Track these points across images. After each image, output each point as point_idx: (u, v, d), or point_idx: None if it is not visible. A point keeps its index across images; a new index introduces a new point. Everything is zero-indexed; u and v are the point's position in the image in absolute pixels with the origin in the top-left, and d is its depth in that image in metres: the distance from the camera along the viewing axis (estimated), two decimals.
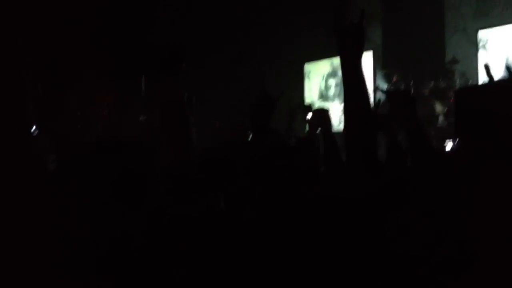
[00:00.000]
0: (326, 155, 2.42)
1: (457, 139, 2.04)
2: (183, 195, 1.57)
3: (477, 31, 6.80)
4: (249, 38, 8.01)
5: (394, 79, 6.85)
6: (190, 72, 1.89)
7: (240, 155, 1.64)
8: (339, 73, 8.25)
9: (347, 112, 1.68)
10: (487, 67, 4.94)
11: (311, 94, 8.71)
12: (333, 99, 8.33)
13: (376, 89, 7.05)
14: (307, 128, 3.16)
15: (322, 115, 2.71)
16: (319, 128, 2.68)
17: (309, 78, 8.77)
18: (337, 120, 6.64)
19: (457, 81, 6.34)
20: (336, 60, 7.09)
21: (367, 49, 7.84)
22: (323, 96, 8.53)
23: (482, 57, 6.60)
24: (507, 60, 6.14)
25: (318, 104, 8.28)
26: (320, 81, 8.58)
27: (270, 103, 2.25)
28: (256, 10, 7.77)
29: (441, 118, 6.04)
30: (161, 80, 1.81)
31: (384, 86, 7.10)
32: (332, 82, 8.38)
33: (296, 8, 7.82)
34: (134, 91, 6.91)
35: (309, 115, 3.07)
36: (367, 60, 7.52)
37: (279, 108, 2.32)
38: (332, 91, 8.40)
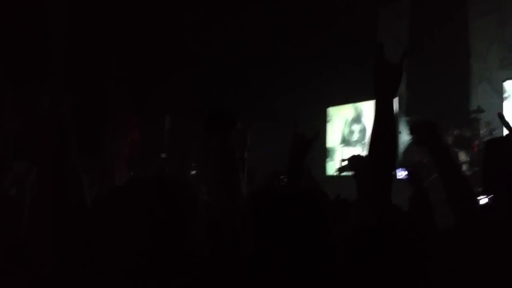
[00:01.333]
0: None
1: (485, 189, 2.00)
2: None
3: (502, 82, 6.77)
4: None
5: None
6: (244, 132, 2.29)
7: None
8: (363, 119, 8.29)
9: (375, 150, 1.67)
10: (501, 116, 4.87)
11: (333, 138, 8.69)
12: (355, 145, 8.29)
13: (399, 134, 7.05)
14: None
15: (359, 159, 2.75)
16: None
17: (331, 122, 8.78)
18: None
19: (482, 131, 6.27)
20: (360, 105, 7.14)
21: None
22: (345, 141, 8.50)
23: (508, 107, 6.55)
24: None
25: (339, 149, 8.25)
26: (342, 126, 8.57)
27: (306, 142, 2.28)
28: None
29: (464, 167, 5.94)
30: (217, 138, 2.06)
31: (407, 133, 7.07)
32: (356, 127, 8.37)
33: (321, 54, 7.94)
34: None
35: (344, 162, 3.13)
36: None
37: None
38: (355, 137, 8.37)
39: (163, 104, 7.92)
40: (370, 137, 1.68)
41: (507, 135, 2.42)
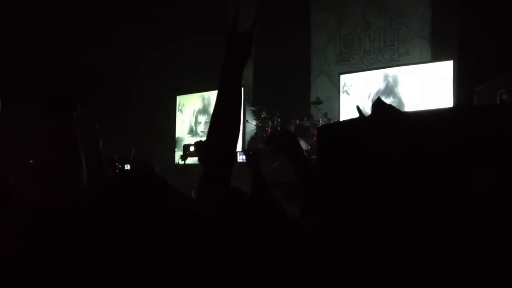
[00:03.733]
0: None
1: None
2: None
3: (339, 75, 7.25)
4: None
5: (263, 115, 7.04)
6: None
7: None
8: (210, 109, 8.29)
9: (215, 128, 1.63)
10: (358, 108, 5.22)
11: (183, 128, 8.58)
12: (202, 136, 8.25)
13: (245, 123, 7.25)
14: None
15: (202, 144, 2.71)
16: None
17: (181, 111, 8.65)
18: None
19: (320, 121, 6.66)
20: (208, 95, 7.07)
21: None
22: (193, 131, 8.46)
23: (344, 99, 7.04)
24: (372, 101, 6.61)
25: (187, 139, 8.18)
26: (191, 116, 8.50)
27: None
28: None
29: (305, 154, 6.25)
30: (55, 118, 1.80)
31: (253, 121, 7.28)
32: (202, 118, 8.35)
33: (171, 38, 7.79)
34: None
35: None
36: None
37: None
38: (201, 127, 8.33)
39: None
40: (212, 115, 1.63)
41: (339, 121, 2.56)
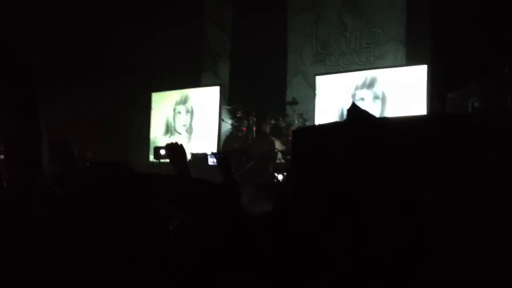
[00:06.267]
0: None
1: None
2: None
3: (315, 76, 7.27)
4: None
5: (238, 114, 7.02)
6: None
7: None
8: (188, 105, 8.17)
9: None
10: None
11: (157, 126, 8.43)
12: (179, 134, 8.14)
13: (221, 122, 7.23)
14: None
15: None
16: None
17: (155, 109, 8.49)
18: None
19: (296, 121, 6.67)
20: (186, 93, 6.99)
21: (215, 84, 7.98)
22: (169, 131, 8.31)
23: (319, 100, 7.06)
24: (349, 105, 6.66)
25: (162, 140, 8.08)
26: (166, 114, 8.36)
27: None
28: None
29: (280, 155, 6.28)
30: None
31: (228, 120, 7.26)
32: (182, 108, 8.23)
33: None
34: None
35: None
36: (215, 95, 7.63)
37: None
38: (178, 126, 8.22)
39: None
40: None
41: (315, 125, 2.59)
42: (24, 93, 1.60)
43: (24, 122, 1.58)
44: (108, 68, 7.60)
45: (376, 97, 6.58)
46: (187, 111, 8.06)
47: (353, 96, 6.70)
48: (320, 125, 2.40)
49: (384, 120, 1.82)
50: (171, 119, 8.28)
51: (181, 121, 8.12)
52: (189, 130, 8.00)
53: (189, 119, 8.03)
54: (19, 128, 1.58)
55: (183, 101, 8.16)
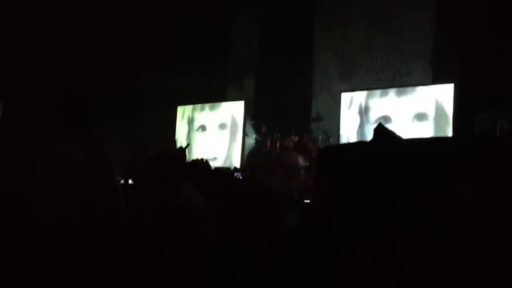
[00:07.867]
0: None
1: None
2: None
3: (340, 92, 7.25)
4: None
5: (263, 130, 7.05)
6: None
7: None
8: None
9: None
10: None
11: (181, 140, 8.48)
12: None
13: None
14: None
15: None
16: None
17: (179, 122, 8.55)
18: None
19: (320, 138, 6.66)
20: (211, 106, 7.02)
21: (239, 99, 8.02)
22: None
23: (345, 117, 7.02)
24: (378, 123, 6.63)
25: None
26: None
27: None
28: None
29: (303, 171, 6.25)
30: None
31: (252, 135, 7.30)
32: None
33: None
34: None
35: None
36: (239, 109, 7.66)
37: None
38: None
39: None
40: None
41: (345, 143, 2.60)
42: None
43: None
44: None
45: (402, 116, 6.53)
46: (212, 125, 8.11)
47: (379, 115, 6.66)
48: (346, 144, 2.40)
49: (410, 141, 1.82)
50: (195, 133, 8.34)
51: (205, 135, 8.16)
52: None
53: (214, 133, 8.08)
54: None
55: (208, 115, 8.21)
